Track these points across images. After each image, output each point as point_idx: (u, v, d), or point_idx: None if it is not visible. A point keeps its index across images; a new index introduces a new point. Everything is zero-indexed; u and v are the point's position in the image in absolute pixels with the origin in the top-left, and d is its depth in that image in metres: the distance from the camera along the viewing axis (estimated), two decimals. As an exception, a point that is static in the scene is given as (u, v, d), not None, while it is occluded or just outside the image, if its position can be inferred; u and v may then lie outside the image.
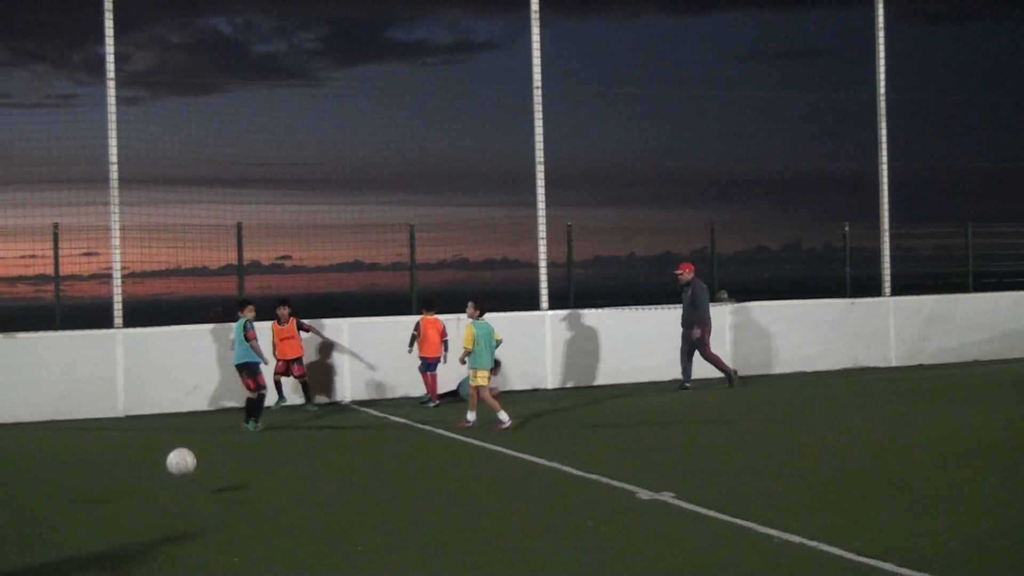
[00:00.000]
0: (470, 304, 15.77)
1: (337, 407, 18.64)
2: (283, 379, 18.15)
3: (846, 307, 22.63)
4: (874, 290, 23.30)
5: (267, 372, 16.65)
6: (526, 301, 21.05)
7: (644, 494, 10.03)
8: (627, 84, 24.37)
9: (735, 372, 19.84)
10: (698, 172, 25.25)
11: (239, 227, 19.85)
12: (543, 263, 20.94)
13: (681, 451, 12.93)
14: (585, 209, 24.42)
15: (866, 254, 23.64)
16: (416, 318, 18.60)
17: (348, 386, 19.27)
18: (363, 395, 19.21)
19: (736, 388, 19.29)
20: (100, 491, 11.45)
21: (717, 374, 19.89)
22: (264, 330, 17.23)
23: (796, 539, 8.20)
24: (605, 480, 10.84)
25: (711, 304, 20.01)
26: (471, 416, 15.20)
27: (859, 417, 15.50)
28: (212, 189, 21.14)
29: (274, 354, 17.86)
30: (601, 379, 20.42)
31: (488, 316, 19.53)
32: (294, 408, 18.17)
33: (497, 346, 15.54)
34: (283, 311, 18.14)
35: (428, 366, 18.24)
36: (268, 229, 21.46)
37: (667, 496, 9.86)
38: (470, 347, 15.20)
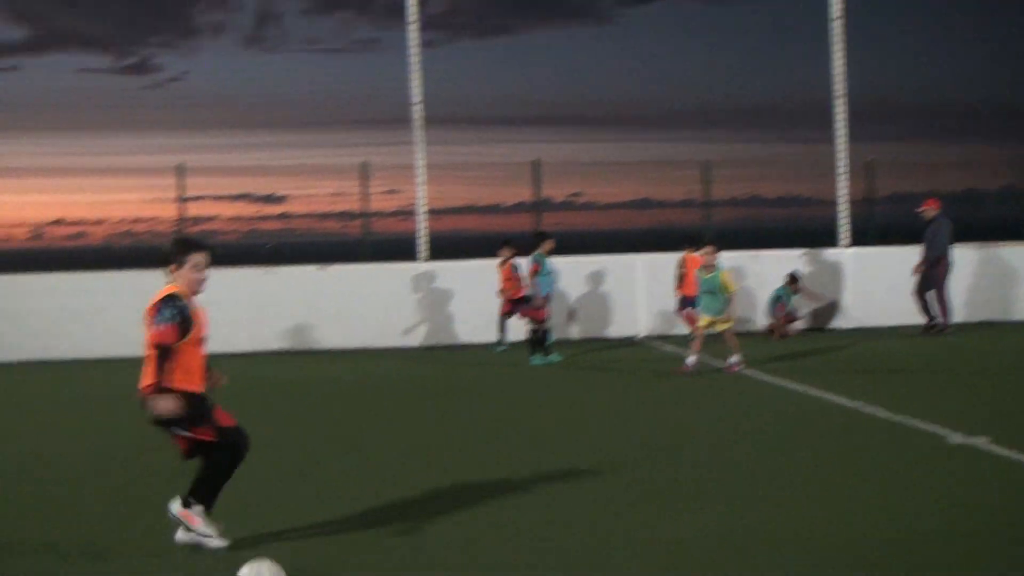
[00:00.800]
0: (711, 248, 15.00)
1: (631, 343, 18.75)
2: (510, 320, 18.06)
3: None
4: None
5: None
6: (822, 239, 20.47)
7: (956, 438, 9.60)
8: (934, 11, 23.12)
9: (935, 325, 18.52)
10: (1010, 103, 23.77)
11: (536, 164, 20.18)
12: (843, 200, 20.29)
13: (990, 395, 12.31)
14: (885, 143, 23.50)
15: None
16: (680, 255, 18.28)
17: (642, 322, 19.36)
18: (656, 331, 19.24)
19: (918, 338, 18.03)
20: (405, 415, 12.03)
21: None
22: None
23: None
24: (913, 422, 10.44)
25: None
26: (690, 359, 14.73)
27: None
28: (507, 128, 21.65)
29: (499, 294, 17.98)
30: (900, 319, 19.58)
31: (781, 253, 19.23)
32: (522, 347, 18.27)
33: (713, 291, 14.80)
34: (505, 252, 17.98)
35: (692, 304, 18.01)
36: (561, 166, 21.74)
37: (981, 441, 9.40)
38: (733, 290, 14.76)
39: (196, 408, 6.60)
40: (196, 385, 6.66)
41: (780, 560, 6.33)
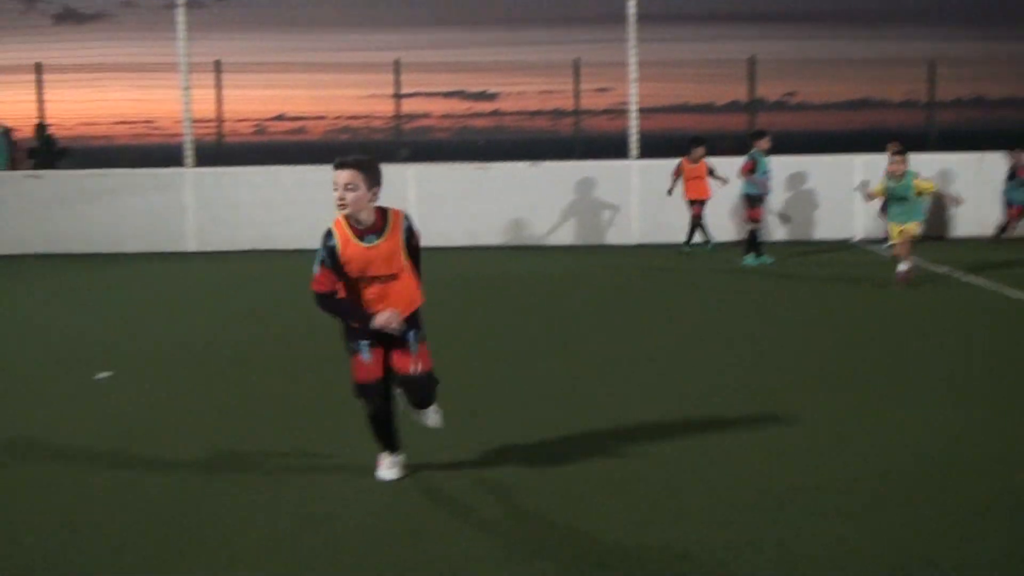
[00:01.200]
0: (897, 146, 14.01)
1: (845, 246, 18.36)
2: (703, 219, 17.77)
3: None
4: None
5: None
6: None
7: None
8: None
9: None
10: None
11: (751, 61, 19.75)
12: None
13: None
14: None
15: None
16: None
17: (859, 224, 18.90)
18: (873, 234, 18.74)
19: None
20: (617, 315, 12.19)
21: None
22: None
23: None
24: None
25: None
26: (902, 266, 13.91)
27: None
28: (721, 24, 21.21)
29: (683, 192, 17.64)
30: None
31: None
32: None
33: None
34: (697, 151, 17.60)
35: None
36: (775, 64, 21.20)
37: None
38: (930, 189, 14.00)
39: (346, 342, 6.00)
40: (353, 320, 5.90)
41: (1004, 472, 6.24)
